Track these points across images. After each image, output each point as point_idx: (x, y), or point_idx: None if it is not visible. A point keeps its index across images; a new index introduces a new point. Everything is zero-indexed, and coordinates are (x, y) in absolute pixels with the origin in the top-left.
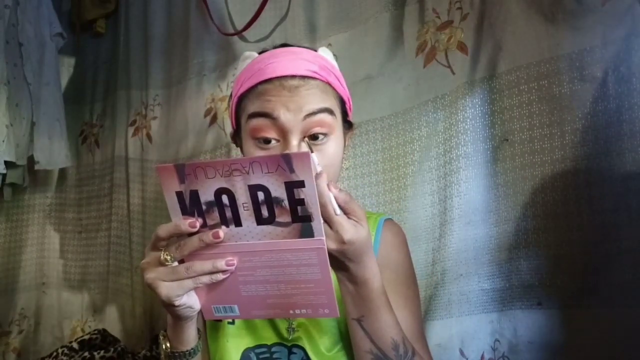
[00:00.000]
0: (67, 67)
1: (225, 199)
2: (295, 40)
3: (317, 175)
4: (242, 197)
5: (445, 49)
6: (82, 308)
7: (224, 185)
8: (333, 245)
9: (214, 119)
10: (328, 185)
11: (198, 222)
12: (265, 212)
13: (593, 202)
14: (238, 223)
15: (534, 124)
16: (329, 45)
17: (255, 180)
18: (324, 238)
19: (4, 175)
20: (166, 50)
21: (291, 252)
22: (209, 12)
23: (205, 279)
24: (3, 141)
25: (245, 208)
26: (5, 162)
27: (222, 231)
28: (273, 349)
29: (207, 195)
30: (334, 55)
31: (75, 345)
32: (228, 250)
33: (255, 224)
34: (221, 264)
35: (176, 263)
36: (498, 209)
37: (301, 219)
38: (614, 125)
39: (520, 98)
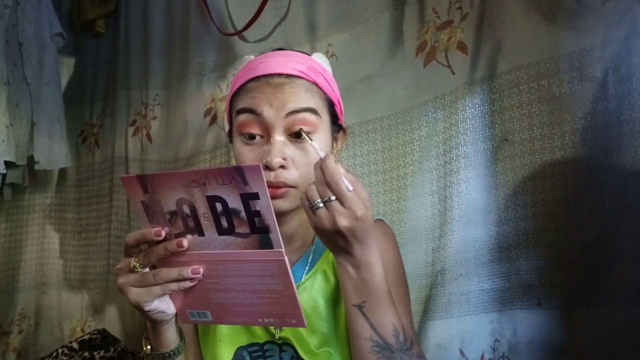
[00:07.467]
0: (67, 67)
1: (186, 209)
2: (295, 40)
3: (325, 157)
4: (202, 208)
5: (445, 49)
6: (82, 308)
7: (184, 195)
8: (345, 222)
9: (213, 119)
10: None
11: (164, 231)
12: (224, 223)
13: (593, 202)
14: (201, 233)
15: (534, 124)
16: (329, 45)
17: (212, 191)
18: (283, 250)
19: (4, 175)
20: (166, 50)
21: (252, 263)
22: (209, 12)
23: (173, 286)
24: (3, 141)
25: (205, 218)
26: (5, 162)
27: (186, 240)
28: (265, 347)
29: (169, 205)
30: (334, 55)
31: (75, 345)
32: (195, 258)
33: (217, 234)
34: (187, 272)
35: (148, 269)
36: (498, 209)
37: (259, 231)
38: (614, 125)
39: (520, 98)
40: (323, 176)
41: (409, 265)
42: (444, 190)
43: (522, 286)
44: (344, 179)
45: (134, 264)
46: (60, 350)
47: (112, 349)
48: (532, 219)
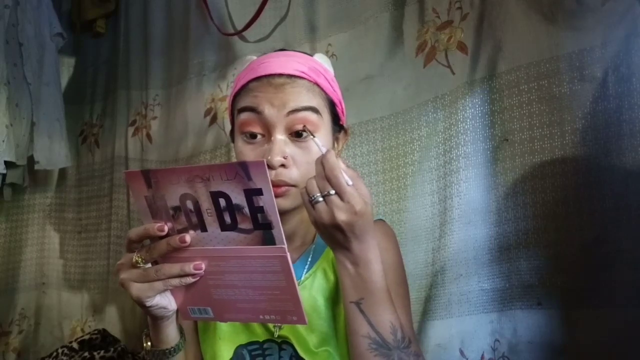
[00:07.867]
0: (67, 67)
1: (189, 204)
2: (295, 40)
3: (326, 152)
4: (205, 203)
5: (445, 49)
6: (82, 308)
7: (188, 191)
8: (344, 217)
9: (213, 119)
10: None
11: (166, 226)
12: (227, 219)
13: (593, 202)
14: (204, 228)
15: (534, 124)
16: (329, 45)
17: (215, 187)
18: (285, 246)
19: (4, 175)
20: (166, 50)
21: (254, 259)
22: (209, 12)
23: (175, 282)
24: (3, 141)
25: (209, 214)
26: (5, 162)
27: (188, 236)
28: (265, 346)
29: (172, 200)
30: (334, 55)
31: (75, 345)
32: (197, 254)
33: (219, 229)
34: (189, 267)
35: (150, 265)
36: (498, 209)
37: (262, 227)
38: (614, 125)
39: (520, 98)
40: (323, 170)
41: (409, 265)
42: (444, 190)
43: (522, 286)
44: (344, 173)
45: (137, 259)
46: (60, 350)
47: (112, 349)
48: (532, 219)
